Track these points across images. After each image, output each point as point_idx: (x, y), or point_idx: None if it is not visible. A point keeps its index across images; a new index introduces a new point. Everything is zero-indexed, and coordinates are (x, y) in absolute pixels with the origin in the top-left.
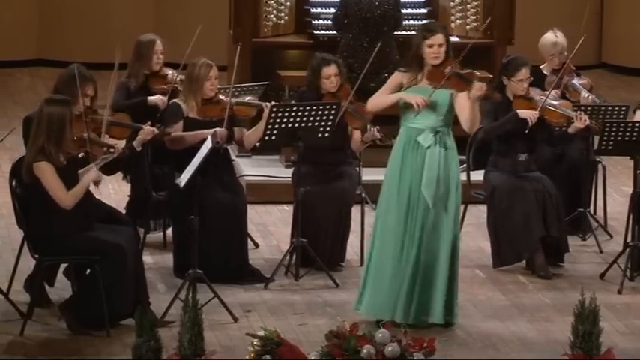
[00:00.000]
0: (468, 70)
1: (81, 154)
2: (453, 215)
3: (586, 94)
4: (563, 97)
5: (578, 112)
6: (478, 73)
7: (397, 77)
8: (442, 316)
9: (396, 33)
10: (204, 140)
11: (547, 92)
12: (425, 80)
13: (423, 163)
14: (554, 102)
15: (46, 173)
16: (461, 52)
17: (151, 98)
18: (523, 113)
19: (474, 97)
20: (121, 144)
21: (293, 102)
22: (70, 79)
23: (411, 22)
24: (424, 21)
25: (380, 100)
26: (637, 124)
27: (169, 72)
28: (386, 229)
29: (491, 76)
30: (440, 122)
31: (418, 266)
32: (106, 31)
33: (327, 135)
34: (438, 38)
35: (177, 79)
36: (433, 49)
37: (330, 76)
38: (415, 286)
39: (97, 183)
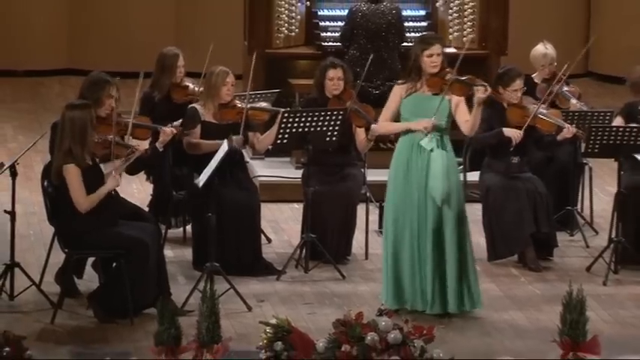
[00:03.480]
0: (468, 76)
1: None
2: (458, 212)
3: (574, 101)
4: (552, 104)
5: (567, 126)
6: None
7: (397, 91)
8: (456, 305)
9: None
10: (219, 146)
11: (540, 102)
12: (425, 88)
13: (427, 165)
14: (545, 111)
15: (72, 175)
16: (456, 61)
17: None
18: (508, 133)
19: (479, 100)
20: (143, 145)
21: (300, 108)
22: (92, 85)
23: (413, 34)
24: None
25: (389, 128)
26: (620, 129)
27: (190, 84)
28: (397, 228)
29: (485, 84)
30: (440, 128)
31: (433, 261)
32: (129, 42)
33: (334, 139)
34: (436, 48)
35: (198, 90)
36: (432, 59)
37: (334, 78)
38: (434, 279)
39: (114, 187)
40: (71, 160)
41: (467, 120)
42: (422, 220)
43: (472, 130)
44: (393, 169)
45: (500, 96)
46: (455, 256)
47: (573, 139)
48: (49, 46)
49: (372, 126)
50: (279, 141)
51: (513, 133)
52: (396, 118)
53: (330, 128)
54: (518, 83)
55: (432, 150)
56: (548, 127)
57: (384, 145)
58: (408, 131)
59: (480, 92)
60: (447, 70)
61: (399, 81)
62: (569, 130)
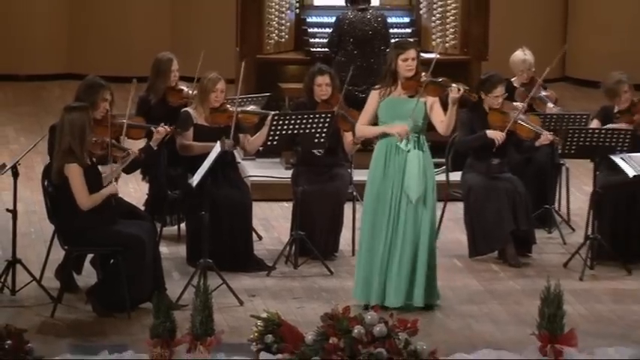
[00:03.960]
0: (443, 78)
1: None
2: (431, 210)
3: (551, 105)
4: (530, 107)
5: (545, 132)
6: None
7: (374, 95)
8: (422, 299)
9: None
10: (211, 148)
11: (520, 108)
12: (401, 91)
13: (404, 164)
14: (525, 117)
15: (74, 174)
16: (438, 66)
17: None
18: (491, 134)
19: (454, 100)
20: (137, 144)
21: (289, 111)
22: (88, 89)
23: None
24: (410, 39)
25: (366, 131)
26: (596, 131)
27: (185, 88)
28: (373, 226)
29: (467, 88)
30: (417, 129)
31: (403, 256)
32: (126, 48)
33: (322, 140)
34: (411, 53)
35: (192, 94)
36: (407, 63)
37: (322, 84)
38: (401, 275)
39: (113, 195)
40: (73, 160)
41: (442, 120)
42: (396, 218)
43: (448, 130)
44: (371, 168)
45: (482, 101)
46: (426, 253)
47: (550, 145)
48: (50, 51)
49: (356, 131)
50: (269, 142)
51: (496, 135)
52: (375, 121)
53: (319, 131)
54: (500, 90)
55: (409, 150)
56: (527, 133)
57: (370, 147)
58: (387, 134)
59: (454, 92)
60: (423, 73)
61: (376, 86)
62: (546, 137)
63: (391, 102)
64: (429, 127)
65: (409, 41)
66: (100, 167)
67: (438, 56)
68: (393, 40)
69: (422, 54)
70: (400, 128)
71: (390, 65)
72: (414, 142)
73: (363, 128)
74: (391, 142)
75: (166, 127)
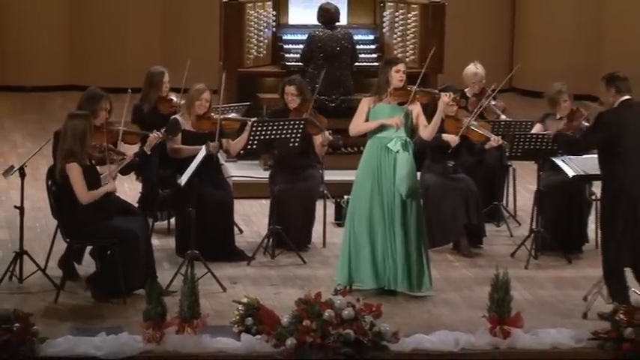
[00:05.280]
0: (429, 88)
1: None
2: (417, 205)
3: (500, 113)
4: (481, 115)
5: (494, 137)
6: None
7: (365, 102)
8: (406, 285)
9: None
10: (198, 151)
11: (472, 115)
12: (391, 99)
13: (393, 164)
14: (476, 123)
15: (75, 172)
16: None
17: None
18: (447, 137)
19: (442, 106)
20: (132, 149)
21: (267, 118)
22: (89, 99)
23: (363, 55)
24: (374, 55)
25: (362, 127)
26: (539, 136)
27: (174, 97)
28: (361, 220)
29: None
30: (403, 132)
31: (402, 245)
32: (122, 62)
33: (296, 144)
34: (402, 66)
35: (180, 102)
36: (399, 74)
37: (289, 94)
38: (396, 261)
39: (111, 192)
40: (73, 160)
41: (426, 125)
42: (390, 212)
43: (432, 134)
44: (362, 166)
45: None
46: (417, 242)
47: (499, 148)
48: (53, 65)
49: (328, 133)
50: (249, 146)
51: (451, 138)
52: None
53: (293, 135)
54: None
55: (397, 151)
56: (478, 137)
57: (339, 151)
58: (378, 134)
59: (443, 100)
60: (408, 84)
61: (367, 94)
62: (495, 140)
63: (383, 109)
64: None
65: (398, 57)
66: (98, 168)
67: (424, 70)
68: (359, 56)
69: None
70: (397, 119)
71: (384, 76)
72: (401, 144)
73: (359, 125)
74: (382, 143)
75: (159, 133)
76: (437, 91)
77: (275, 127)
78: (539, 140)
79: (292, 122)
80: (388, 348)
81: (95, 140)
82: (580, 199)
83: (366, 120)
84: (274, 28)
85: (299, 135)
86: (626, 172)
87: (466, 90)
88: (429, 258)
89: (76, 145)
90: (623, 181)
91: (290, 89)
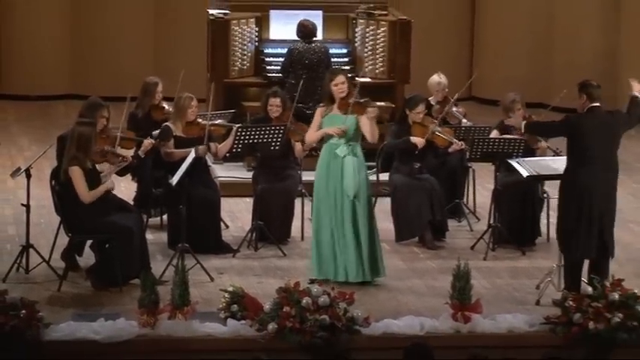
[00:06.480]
0: (366, 99)
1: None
2: (366, 203)
3: (462, 118)
4: (444, 121)
5: (456, 141)
6: (374, 103)
7: (318, 112)
8: (361, 275)
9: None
10: (188, 154)
11: (437, 121)
12: (336, 109)
13: (341, 168)
14: (440, 129)
15: (76, 175)
16: (372, 88)
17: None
18: (414, 139)
19: (370, 117)
20: (128, 153)
21: (250, 124)
22: (90, 107)
23: (337, 67)
24: (347, 67)
25: (313, 136)
26: (496, 140)
27: (166, 106)
28: (322, 220)
29: (393, 106)
30: (350, 138)
31: (346, 241)
32: (119, 72)
33: (277, 148)
34: (340, 79)
35: (172, 110)
36: (338, 87)
37: (273, 105)
38: (348, 256)
39: (110, 190)
40: (76, 163)
41: (367, 131)
42: (339, 211)
43: (373, 139)
44: (317, 170)
45: (407, 116)
46: (367, 237)
47: (460, 151)
48: (56, 76)
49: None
50: (234, 150)
51: (418, 140)
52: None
53: (274, 140)
54: (421, 107)
55: (344, 156)
56: (442, 142)
57: (315, 153)
58: (330, 141)
59: (369, 112)
60: (352, 94)
61: (321, 104)
62: (457, 145)
63: (331, 118)
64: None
65: (340, 69)
66: (97, 166)
67: (365, 79)
68: (334, 67)
69: (357, 78)
70: (335, 128)
71: (327, 88)
72: (348, 150)
73: (311, 134)
74: (332, 149)
75: (152, 140)
76: (373, 103)
77: (258, 133)
78: (497, 144)
79: (273, 128)
80: (360, 332)
81: (96, 145)
82: (533, 197)
83: (321, 128)
84: (257, 43)
85: (279, 139)
86: (587, 175)
87: (430, 98)
88: (380, 249)
89: (80, 149)
90: (584, 183)
91: (275, 101)
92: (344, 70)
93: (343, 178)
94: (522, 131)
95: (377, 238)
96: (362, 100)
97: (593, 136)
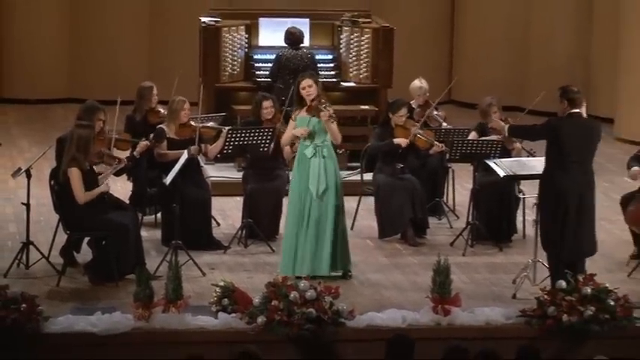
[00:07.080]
0: (323, 102)
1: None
2: (334, 202)
3: (442, 121)
4: (425, 123)
5: (437, 144)
6: (328, 105)
7: (293, 114)
8: (328, 269)
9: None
10: (181, 155)
11: (418, 124)
12: (304, 112)
13: (308, 168)
14: (422, 132)
15: (75, 176)
16: (356, 92)
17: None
18: (397, 140)
19: (324, 120)
20: (124, 154)
21: (240, 127)
22: (87, 110)
23: (323, 72)
24: (332, 72)
25: (286, 140)
26: (475, 142)
27: (161, 109)
28: (289, 217)
29: (376, 109)
30: (318, 140)
31: (312, 238)
32: (115, 77)
33: (266, 149)
34: (306, 82)
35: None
36: (305, 90)
37: (267, 107)
38: (315, 251)
39: (105, 193)
40: (75, 165)
41: (330, 134)
42: (308, 209)
43: (336, 140)
44: (293, 170)
45: (390, 119)
46: (332, 233)
47: (440, 153)
48: (54, 81)
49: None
50: (225, 151)
51: (401, 141)
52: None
53: (263, 142)
54: (404, 111)
55: (310, 157)
56: (424, 144)
57: None
58: (303, 142)
59: (322, 115)
60: (319, 98)
61: (293, 107)
62: (438, 147)
63: (301, 120)
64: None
65: (307, 73)
66: (95, 167)
67: (322, 82)
68: (320, 72)
69: (342, 83)
70: (300, 130)
71: (297, 92)
72: (314, 151)
73: (284, 136)
74: (303, 152)
75: (147, 142)
76: (326, 105)
77: (247, 135)
78: (475, 145)
79: (262, 130)
80: (345, 324)
81: (94, 147)
82: (509, 195)
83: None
84: (246, 49)
85: (268, 141)
86: (565, 178)
87: (412, 102)
88: (345, 246)
89: (80, 151)
90: (563, 186)
91: (267, 103)
92: (313, 74)
93: (309, 178)
94: (506, 134)
95: (341, 236)
96: (321, 105)
97: (571, 141)
